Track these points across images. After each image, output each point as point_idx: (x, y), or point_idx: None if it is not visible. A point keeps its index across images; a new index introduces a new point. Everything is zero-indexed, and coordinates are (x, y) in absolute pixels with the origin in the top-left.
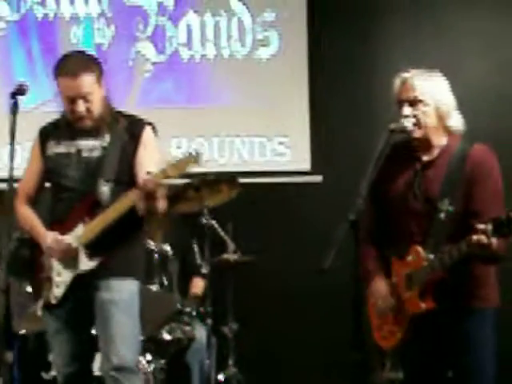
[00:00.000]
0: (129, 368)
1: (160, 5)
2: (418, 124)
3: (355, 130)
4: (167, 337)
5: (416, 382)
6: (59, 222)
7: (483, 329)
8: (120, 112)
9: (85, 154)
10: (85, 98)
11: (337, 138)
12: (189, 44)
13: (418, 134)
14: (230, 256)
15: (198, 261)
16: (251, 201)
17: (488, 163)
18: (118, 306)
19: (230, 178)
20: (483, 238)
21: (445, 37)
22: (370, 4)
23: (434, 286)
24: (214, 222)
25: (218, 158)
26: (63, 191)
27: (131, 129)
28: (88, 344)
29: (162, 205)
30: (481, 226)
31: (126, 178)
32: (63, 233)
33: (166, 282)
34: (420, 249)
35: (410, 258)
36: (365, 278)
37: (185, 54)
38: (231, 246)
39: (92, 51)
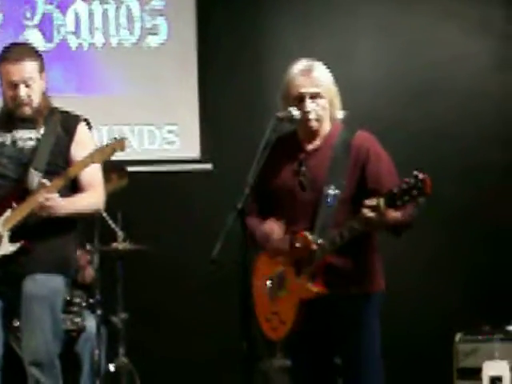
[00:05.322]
0: (44, 363)
1: None
2: (317, 118)
3: (246, 118)
4: None
5: (304, 369)
6: None
7: (369, 314)
8: (56, 107)
9: (19, 144)
10: (27, 84)
11: (227, 125)
12: (77, 32)
13: (316, 127)
14: (120, 245)
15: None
16: (141, 189)
17: (374, 146)
18: (40, 302)
19: (118, 167)
20: (372, 214)
21: (337, 21)
22: None
23: (324, 270)
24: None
25: None
26: None
27: (66, 123)
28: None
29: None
30: (370, 202)
31: (56, 170)
32: None
33: None
34: (307, 233)
35: (297, 244)
36: (261, 241)
37: (73, 42)
38: (121, 235)
39: None
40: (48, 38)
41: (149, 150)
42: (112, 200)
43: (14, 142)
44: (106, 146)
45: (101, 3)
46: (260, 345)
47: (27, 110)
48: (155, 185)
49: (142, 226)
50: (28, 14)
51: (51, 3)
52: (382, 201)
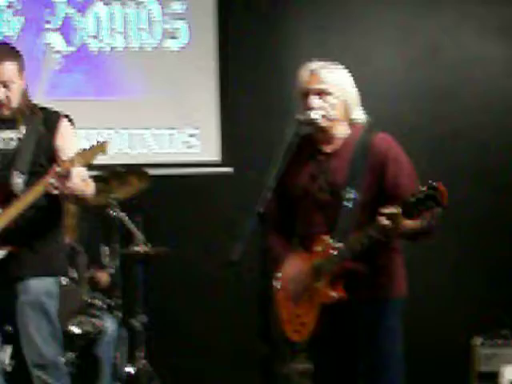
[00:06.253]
0: (50, 365)
1: None
2: (325, 116)
3: (265, 121)
4: (76, 330)
5: (326, 374)
6: None
7: (390, 319)
8: (36, 105)
9: (1, 146)
10: (5, 86)
11: (247, 129)
12: (98, 35)
13: (324, 125)
14: (140, 248)
15: (102, 254)
16: (162, 193)
17: (393, 149)
18: (36, 308)
19: (139, 170)
20: (388, 222)
21: (355, 28)
22: None
23: (344, 275)
24: (122, 214)
25: (127, 150)
26: None
27: (47, 121)
28: None
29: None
30: (387, 210)
31: (40, 170)
32: None
33: (74, 275)
34: (327, 238)
35: (317, 248)
36: (274, 264)
37: (94, 45)
38: (140, 238)
39: None
40: (69, 41)
41: (169, 153)
42: (133, 203)
43: None
44: (87, 149)
45: (122, 6)
46: (282, 348)
47: (5, 111)
48: (176, 188)
49: (162, 229)
50: (49, 18)
51: (72, 6)
52: (398, 210)
